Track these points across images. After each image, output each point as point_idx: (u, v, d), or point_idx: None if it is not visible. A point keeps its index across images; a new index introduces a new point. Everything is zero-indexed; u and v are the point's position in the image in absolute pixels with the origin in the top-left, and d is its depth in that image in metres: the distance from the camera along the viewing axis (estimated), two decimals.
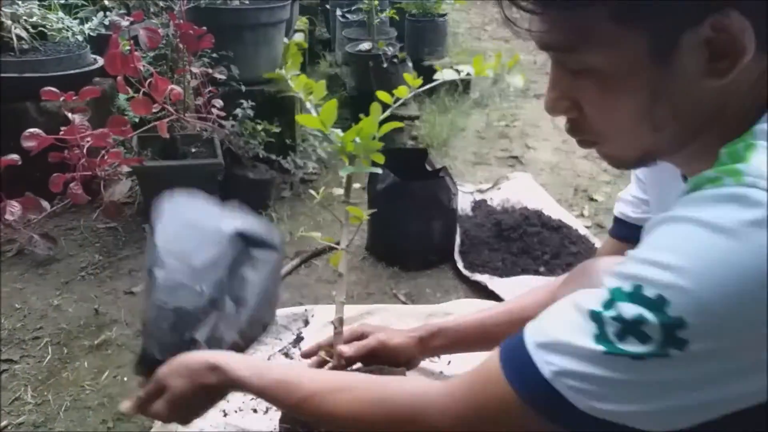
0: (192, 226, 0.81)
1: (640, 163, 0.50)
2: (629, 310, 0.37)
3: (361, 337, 0.85)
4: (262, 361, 0.64)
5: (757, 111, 0.41)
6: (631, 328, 0.37)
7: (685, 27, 0.39)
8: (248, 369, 0.62)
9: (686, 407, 0.37)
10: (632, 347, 0.37)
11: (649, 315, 0.36)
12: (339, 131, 0.76)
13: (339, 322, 0.78)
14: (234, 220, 0.85)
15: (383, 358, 0.82)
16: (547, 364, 0.40)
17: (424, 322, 0.86)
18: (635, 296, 0.37)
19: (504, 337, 0.50)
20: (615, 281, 0.39)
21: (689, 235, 0.36)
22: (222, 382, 0.63)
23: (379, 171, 0.78)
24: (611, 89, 0.43)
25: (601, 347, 0.38)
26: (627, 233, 0.70)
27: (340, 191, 0.85)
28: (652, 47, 0.40)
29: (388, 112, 0.76)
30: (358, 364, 0.82)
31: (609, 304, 0.38)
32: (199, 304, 0.72)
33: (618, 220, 0.73)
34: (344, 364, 0.79)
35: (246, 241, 0.83)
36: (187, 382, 0.64)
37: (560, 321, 0.42)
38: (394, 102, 0.82)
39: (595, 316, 0.39)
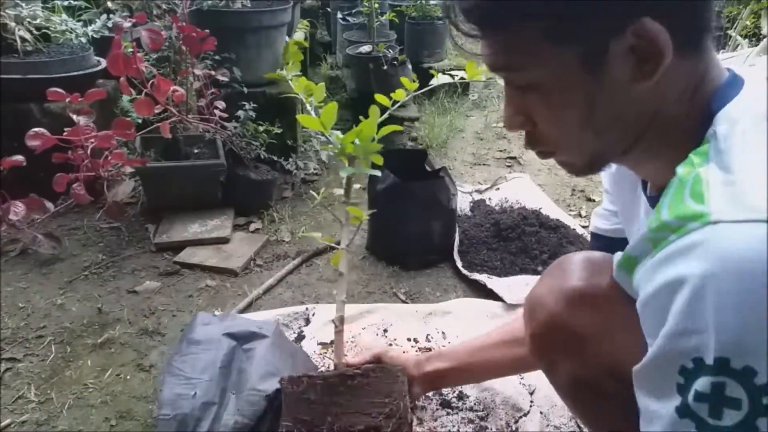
0: (195, 342, 0.96)
1: (593, 167, 0.52)
2: (703, 384, 0.36)
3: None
4: None
5: (701, 114, 0.44)
6: (718, 401, 0.36)
7: (610, 38, 0.42)
8: None
9: None
10: (733, 418, 0.36)
11: (721, 378, 0.35)
12: (339, 133, 0.78)
13: (339, 321, 0.79)
14: (224, 324, 0.99)
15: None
16: None
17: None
18: (699, 369, 0.36)
19: (501, 360, 0.52)
20: (669, 367, 0.38)
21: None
22: None
23: (378, 173, 0.80)
24: (554, 101, 0.46)
25: None
26: (603, 246, 0.71)
27: (341, 192, 0.87)
28: (584, 60, 0.44)
29: (386, 115, 0.77)
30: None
31: (685, 390, 0.37)
32: (195, 405, 0.86)
33: (594, 235, 0.75)
34: (345, 364, 0.81)
35: (236, 339, 0.96)
36: None
37: None
38: (393, 104, 0.84)
39: (682, 411, 0.38)
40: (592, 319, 0.58)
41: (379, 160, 0.78)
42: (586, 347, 0.59)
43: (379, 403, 0.73)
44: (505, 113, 0.51)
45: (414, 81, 0.90)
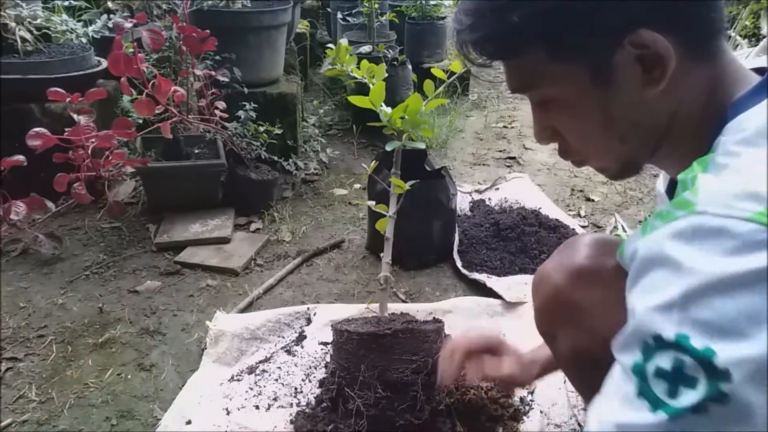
0: None
1: (627, 171, 0.55)
2: (664, 360, 0.37)
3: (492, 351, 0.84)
4: None
5: (717, 121, 0.45)
6: (677, 379, 0.37)
7: (611, 51, 0.45)
8: None
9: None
10: (688, 398, 0.36)
11: (681, 356, 0.36)
12: (388, 109, 0.80)
13: (385, 280, 0.91)
14: None
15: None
16: None
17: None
18: (660, 346, 0.37)
19: None
20: (634, 345, 0.39)
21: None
22: None
23: (423, 146, 0.82)
24: (573, 114, 0.50)
25: (662, 414, 0.37)
26: None
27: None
28: (593, 73, 0.47)
29: (441, 88, 0.78)
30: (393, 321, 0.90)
31: (643, 369, 0.38)
32: None
33: None
34: (387, 318, 0.85)
35: None
36: None
37: (615, 409, 0.41)
38: (449, 76, 0.87)
39: (641, 391, 0.38)
40: (595, 295, 0.61)
41: (429, 133, 0.81)
42: (587, 321, 0.61)
43: (407, 360, 0.82)
44: (534, 129, 0.55)
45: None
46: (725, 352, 0.35)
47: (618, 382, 0.42)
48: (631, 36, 0.44)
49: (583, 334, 0.62)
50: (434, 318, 0.96)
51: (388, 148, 0.81)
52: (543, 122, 0.53)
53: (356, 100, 0.79)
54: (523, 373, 0.80)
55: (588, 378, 0.64)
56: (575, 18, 0.44)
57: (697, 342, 0.36)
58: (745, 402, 0.35)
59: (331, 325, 0.90)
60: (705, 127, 0.46)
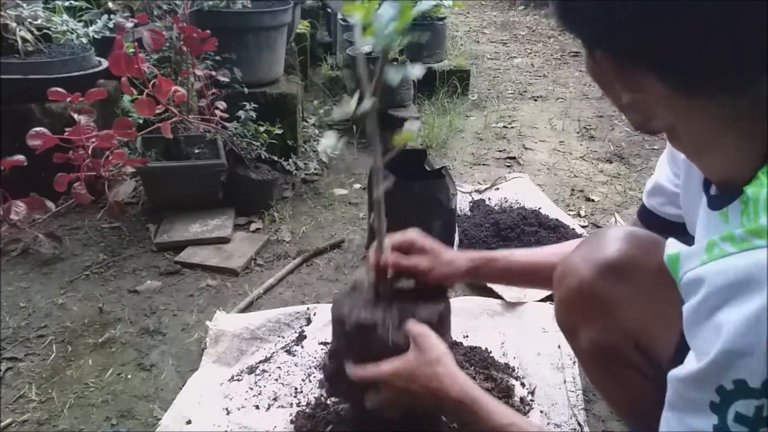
0: None
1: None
2: (746, 407, 0.37)
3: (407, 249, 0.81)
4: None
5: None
6: (757, 421, 0.37)
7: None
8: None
9: None
10: None
11: (765, 401, 0.36)
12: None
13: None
14: None
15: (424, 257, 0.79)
16: None
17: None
18: (742, 392, 0.37)
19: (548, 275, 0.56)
20: (706, 386, 0.39)
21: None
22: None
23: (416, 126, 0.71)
24: (667, 118, 0.46)
25: None
26: (652, 223, 0.73)
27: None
28: (667, 83, 0.43)
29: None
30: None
31: (723, 410, 0.38)
32: None
33: (647, 211, 0.75)
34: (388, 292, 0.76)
35: None
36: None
37: None
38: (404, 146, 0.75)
39: (720, 430, 0.38)
40: (624, 290, 0.59)
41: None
42: (614, 316, 0.60)
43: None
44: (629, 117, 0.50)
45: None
46: None
47: (682, 416, 0.41)
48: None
49: (607, 329, 0.61)
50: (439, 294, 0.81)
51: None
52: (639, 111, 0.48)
53: (349, 7, 0.66)
54: (443, 268, 0.77)
55: (608, 373, 0.64)
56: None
57: None
58: None
59: (331, 308, 0.79)
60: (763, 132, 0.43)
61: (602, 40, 0.44)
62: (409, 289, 0.79)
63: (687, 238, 0.53)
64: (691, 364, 0.40)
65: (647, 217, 0.75)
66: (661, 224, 0.71)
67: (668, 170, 0.71)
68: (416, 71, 0.62)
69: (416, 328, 0.68)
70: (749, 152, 0.44)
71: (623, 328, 0.57)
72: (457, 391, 0.63)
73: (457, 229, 1.51)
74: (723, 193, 0.48)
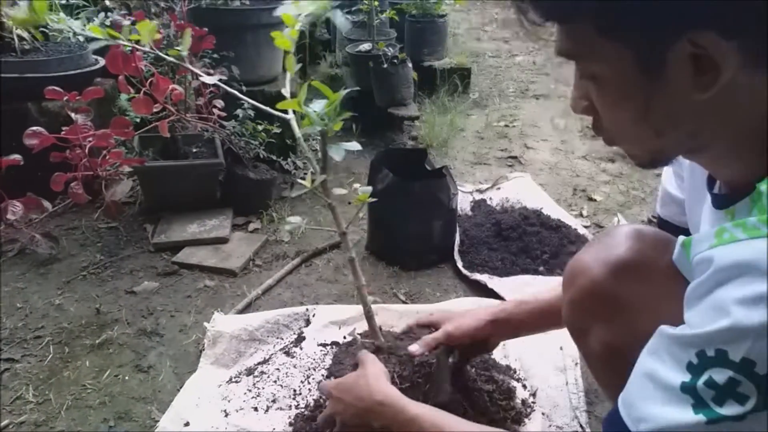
0: None
1: (654, 163, 0.52)
2: (720, 375, 0.38)
3: (431, 327, 0.87)
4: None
5: None
6: (727, 392, 0.38)
7: (665, 42, 0.42)
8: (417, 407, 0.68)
9: None
10: (732, 410, 0.38)
11: (740, 377, 0.37)
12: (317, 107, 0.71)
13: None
14: None
15: (456, 346, 0.84)
16: None
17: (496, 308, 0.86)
18: (721, 361, 0.38)
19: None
20: (690, 347, 0.40)
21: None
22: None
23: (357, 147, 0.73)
24: (611, 95, 0.47)
25: (701, 417, 0.39)
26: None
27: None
28: (641, 60, 0.43)
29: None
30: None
31: (697, 372, 0.40)
32: None
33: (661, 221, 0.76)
34: (390, 346, 0.82)
35: None
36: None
37: (653, 399, 0.43)
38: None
39: (687, 388, 0.40)
40: (637, 291, 0.59)
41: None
42: (626, 316, 0.59)
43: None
44: (572, 96, 0.52)
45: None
46: None
47: (658, 365, 0.42)
48: (691, 33, 0.40)
49: (619, 330, 0.60)
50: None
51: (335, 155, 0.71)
52: (583, 94, 0.50)
53: (283, 104, 0.68)
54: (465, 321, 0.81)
55: (619, 374, 0.63)
56: (639, 2, 0.41)
57: (762, 369, 0.36)
58: None
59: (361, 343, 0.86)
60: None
61: (595, 9, 0.43)
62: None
63: None
64: (682, 329, 0.42)
65: (667, 229, 0.74)
66: (681, 233, 0.71)
67: (671, 173, 0.71)
68: (352, 146, 0.67)
69: (363, 354, 0.78)
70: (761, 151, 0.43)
71: (635, 329, 0.56)
72: (382, 395, 0.70)
73: (458, 229, 1.50)
74: (731, 192, 0.48)
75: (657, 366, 0.43)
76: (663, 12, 0.41)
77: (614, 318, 0.61)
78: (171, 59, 0.60)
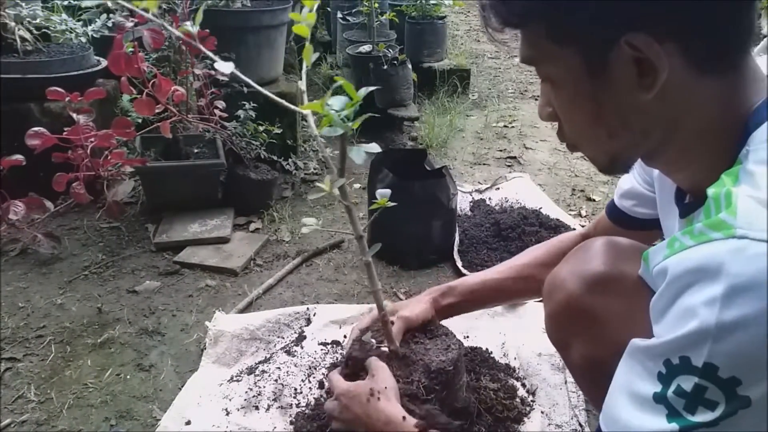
0: None
1: (614, 167, 0.54)
2: (687, 383, 0.39)
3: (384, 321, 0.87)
4: None
5: (738, 132, 0.44)
6: (696, 400, 0.38)
7: (606, 44, 0.44)
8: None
9: None
10: (704, 417, 0.38)
11: (705, 383, 0.38)
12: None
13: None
14: None
15: (414, 330, 0.85)
16: None
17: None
18: (685, 368, 0.39)
19: (510, 291, 0.60)
20: (658, 357, 0.41)
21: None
22: None
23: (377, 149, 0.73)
24: (566, 98, 0.50)
25: (675, 426, 0.39)
26: (619, 219, 0.75)
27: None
28: (586, 62, 0.46)
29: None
30: None
31: (666, 381, 0.40)
32: None
33: (615, 208, 0.78)
34: (405, 353, 0.82)
35: None
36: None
37: (630, 412, 0.43)
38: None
39: (660, 398, 0.41)
40: (612, 304, 0.60)
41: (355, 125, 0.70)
42: (603, 329, 0.60)
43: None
44: (539, 103, 0.55)
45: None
46: (751, 387, 0.36)
47: (632, 378, 0.43)
48: (627, 36, 0.42)
49: (597, 343, 0.61)
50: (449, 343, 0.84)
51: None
52: (545, 101, 0.53)
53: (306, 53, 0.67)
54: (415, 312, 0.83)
55: (601, 386, 0.65)
56: (578, 4, 0.43)
57: (725, 373, 0.37)
58: (756, 412, 0.36)
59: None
60: (726, 138, 0.45)
61: (543, 13, 0.45)
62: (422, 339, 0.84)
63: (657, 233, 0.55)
64: (653, 340, 0.43)
65: (617, 215, 0.77)
66: (630, 221, 0.74)
67: (637, 175, 0.72)
68: (372, 148, 0.67)
69: (375, 362, 0.76)
70: (718, 158, 0.45)
71: (612, 341, 0.57)
72: (386, 417, 0.68)
73: (457, 229, 1.51)
74: (695, 200, 0.50)
75: (631, 378, 0.44)
76: (600, 15, 0.43)
77: (591, 331, 0.62)
78: (179, 35, 0.60)
